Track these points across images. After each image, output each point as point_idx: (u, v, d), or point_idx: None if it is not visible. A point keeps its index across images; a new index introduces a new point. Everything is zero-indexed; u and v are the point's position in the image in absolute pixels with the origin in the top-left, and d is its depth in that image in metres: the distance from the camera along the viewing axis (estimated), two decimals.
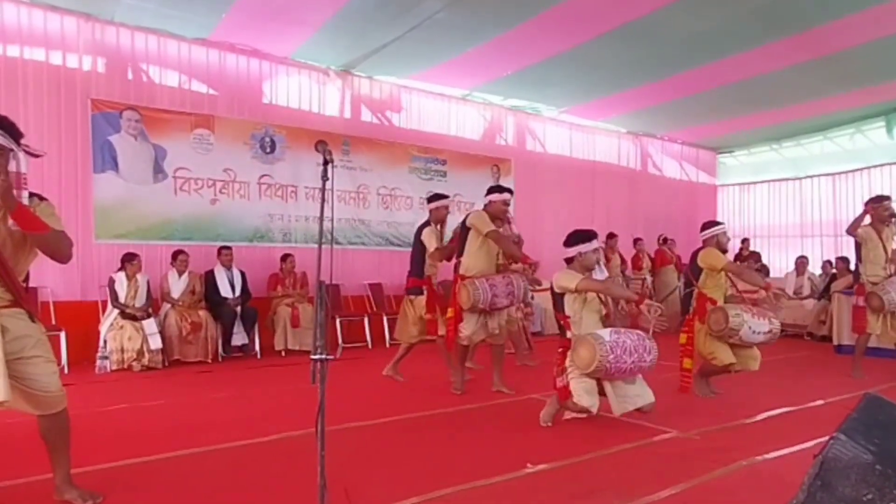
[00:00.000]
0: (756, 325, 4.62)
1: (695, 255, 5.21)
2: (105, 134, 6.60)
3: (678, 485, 2.92)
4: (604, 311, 4.08)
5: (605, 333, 3.73)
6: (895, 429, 1.74)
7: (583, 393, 3.76)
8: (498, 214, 4.74)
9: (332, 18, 6.49)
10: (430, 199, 5.57)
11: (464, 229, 4.76)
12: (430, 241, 5.27)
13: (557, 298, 4.04)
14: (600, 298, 4.05)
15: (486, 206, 4.82)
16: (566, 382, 3.84)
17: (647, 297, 4.08)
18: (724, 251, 4.97)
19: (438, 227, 5.35)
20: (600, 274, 4.40)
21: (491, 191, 4.90)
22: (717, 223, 5.22)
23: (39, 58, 6.29)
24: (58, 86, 6.36)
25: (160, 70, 7.00)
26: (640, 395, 3.92)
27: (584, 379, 3.78)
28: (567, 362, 3.85)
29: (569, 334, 3.94)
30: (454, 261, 4.96)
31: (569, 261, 4.08)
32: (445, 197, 5.59)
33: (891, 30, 6.61)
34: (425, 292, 5.29)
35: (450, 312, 4.77)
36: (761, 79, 8.07)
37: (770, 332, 4.70)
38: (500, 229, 4.69)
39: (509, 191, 4.89)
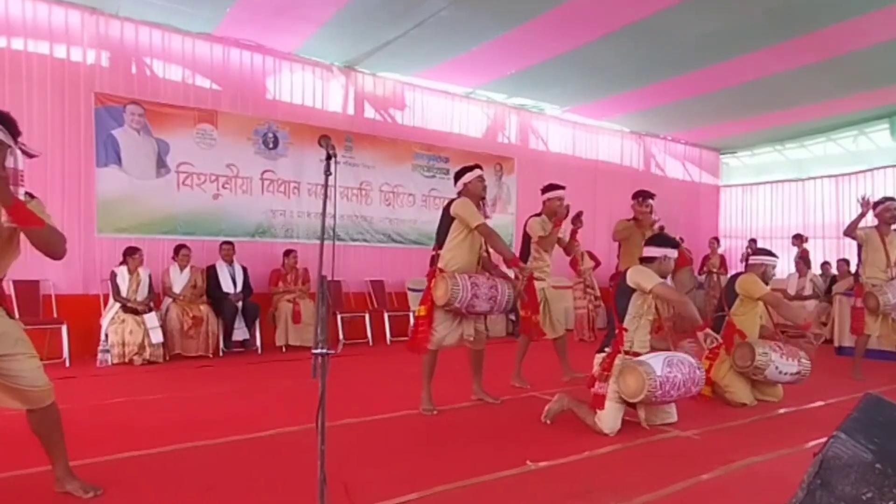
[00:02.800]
0: (784, 365, 4.48)
1: (732, 279, 4.98)
2: (108, 128, 6.61)
3: (677, 484, 2.92)
4: (656, 323, 4.03)
5: (658, 365, 3.60)
6: (895, 429, 1.75)
7: (610, 419, 3.74)
8: (478, 196, 4.27)
9: (336, 15, 6.49)
10: (544, 190, 5.27)
11: (445, 218, 4.26)
12: (535, 229, 5.06)
13: (623, 293, 3.96)
14: (657, 309, 4.01)
15: (463, 190, 4.29)
16: (605, 392, 3.78)
17: (708, 326, 3.96)
18: (766, 283, 4.80)
19: (550, 218, 5.12)
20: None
21: (464, 171, 4.35)
22: (770, 253, 5.03)
23: (44, 51, 6.29)
24: (62, 79, 6.36)
25: (164, 65, 7.00)
26: (669, 412, 3.98)
27: (620, 404, 3.75)
28: (612, 377, 3.79)
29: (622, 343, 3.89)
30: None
31: (647, 260, 4.03)
32: (560, 188, 5.23)
33: (895, 33, 6.59)
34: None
35: (421, 311, 4.21)
36: (765, 81, 8.05)
37: (798, 373, 4.57)
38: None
39: (478, 165, 4.42)
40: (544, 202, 5.29)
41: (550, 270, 5.30)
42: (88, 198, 6.51)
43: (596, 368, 3.96)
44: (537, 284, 5.08)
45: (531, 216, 5.30)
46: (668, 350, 3.97)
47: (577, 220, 5.22)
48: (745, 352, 4.53)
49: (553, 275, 5.45)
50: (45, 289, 6.21)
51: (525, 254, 5.19)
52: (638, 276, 3.89)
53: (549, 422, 3.99)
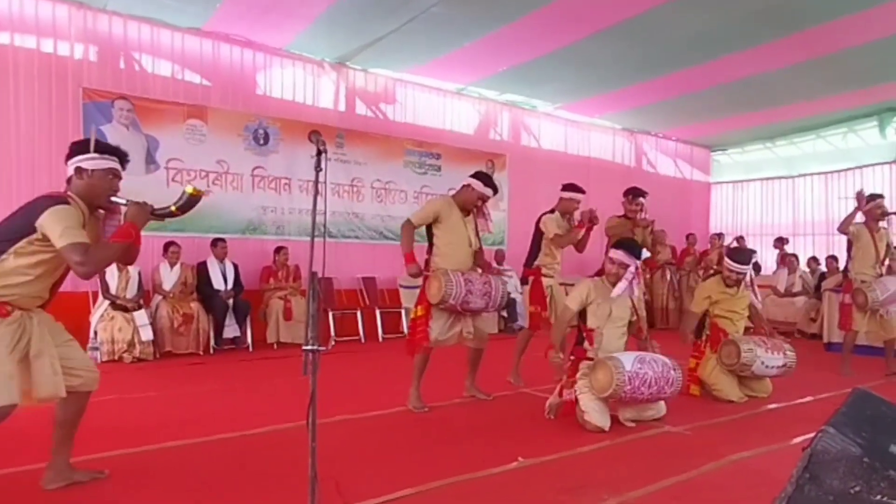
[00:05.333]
0: (769, 359, 4.55)
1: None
2: (96, 123, 6.50)
3: (668, 479, 2.93)
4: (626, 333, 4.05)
5: (629, 361, 3.61)
6: (883, 422, 1.77)
7: (595, 412, 3.73)
8: (467, 205, 4.29)
9: (327, 10, 6.46)
10: (564, 188, 5.14)
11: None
12: (549, 227, 4.96)
13: None
14: (636, 312, 4.03)
15: (461, 188, 4.33)
16: (574, 397, 3.79)
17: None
18: (729, 286, 4.80)
19: (565, 218, 5.05)
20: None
21: (478, 177, 4.31)
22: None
23: (31, 46, 6.22)
24: (49, 74, 6.29)
25: (153, 59, 6.93)
26: (653, 409, 3.97)
27: (596, 399, 3.74)
28: (579, 377, 3.81)
29: (588, 350, 3.91)
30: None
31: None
32: (580, 191, 5.12)
33: (884, 32, 6.64)
34: (530, 283, 5.04)
35: (418, 311, 4.20)
36: (756, 78, 8.09)
37: (785, 366, 4.63)
38: (468, 217, 4.33)
39: (495, 189, 4.38)
40: (561, 199, 5.19)
41: (560, 268, 5.23)
42: None
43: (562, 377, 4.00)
44: (545, 281, 5.05)
45: (544, 213, 5.19)
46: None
47: (592, 217, 5.09)
48: (731, 350, 4.57)
49: (573, 274, 5.40)
50: None
51: (535, 250, 5.13)
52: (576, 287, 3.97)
53: (552, 417, 4.00)
